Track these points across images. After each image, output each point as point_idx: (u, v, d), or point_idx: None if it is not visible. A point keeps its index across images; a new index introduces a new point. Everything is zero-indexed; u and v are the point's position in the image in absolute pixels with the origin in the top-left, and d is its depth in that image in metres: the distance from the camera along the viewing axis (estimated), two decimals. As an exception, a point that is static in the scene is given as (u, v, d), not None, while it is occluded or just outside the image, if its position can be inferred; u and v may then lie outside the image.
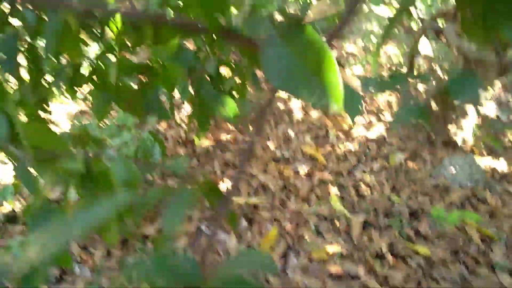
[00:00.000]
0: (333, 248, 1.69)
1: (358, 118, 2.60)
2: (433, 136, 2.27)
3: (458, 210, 1.82)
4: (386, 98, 2.79)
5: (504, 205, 1.90)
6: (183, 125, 2.46)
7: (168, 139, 2.35)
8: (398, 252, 1.68)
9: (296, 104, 2.71)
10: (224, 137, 2.37)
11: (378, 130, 2.46)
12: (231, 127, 2.45)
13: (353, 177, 2.11)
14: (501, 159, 2.20)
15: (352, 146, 2.34)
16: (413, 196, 1.95)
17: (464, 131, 2.21)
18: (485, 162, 2.17)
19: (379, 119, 2.58)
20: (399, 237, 1.74)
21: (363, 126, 2.50)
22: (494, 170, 2.13)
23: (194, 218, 1.85)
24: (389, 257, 1.64)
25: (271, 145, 2.33)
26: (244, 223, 1.83)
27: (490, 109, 2.58)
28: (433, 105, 2.20)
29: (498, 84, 2.85)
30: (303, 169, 2.15)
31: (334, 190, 2.01)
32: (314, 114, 2.62)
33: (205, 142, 2.32)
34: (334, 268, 1.62)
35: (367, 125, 2.52)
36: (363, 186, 2.02)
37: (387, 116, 2.61)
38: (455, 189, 1.97)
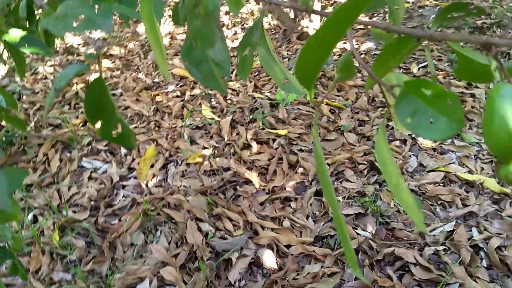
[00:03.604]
0: (206, 151, 1.87)
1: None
2: (289, 33, 2.45)
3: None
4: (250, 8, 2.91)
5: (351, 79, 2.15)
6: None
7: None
8: (262, 139, 1.89)
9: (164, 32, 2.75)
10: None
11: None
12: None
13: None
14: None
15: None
16: (273, 90, 2.15)
17: (314, 22, 2.41)
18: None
19: (243, 28, 2.71)
20: (262, 126, 1.95)
21: (229, 39, 2.63)
22: (343, 50, 2.37)
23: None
24: (254, 145, 1.85)
25: (142, 75, 2.39)
26: (123, 150, 1.94)
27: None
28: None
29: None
30: (174, 90, 2.26)
31: (205, 102, 2.15)
32: (181, 37, 2.69)
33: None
34: (209, 166, 1.80)
35: (232, 37, 2.65)
36: (229, 91, 2.18)
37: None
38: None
